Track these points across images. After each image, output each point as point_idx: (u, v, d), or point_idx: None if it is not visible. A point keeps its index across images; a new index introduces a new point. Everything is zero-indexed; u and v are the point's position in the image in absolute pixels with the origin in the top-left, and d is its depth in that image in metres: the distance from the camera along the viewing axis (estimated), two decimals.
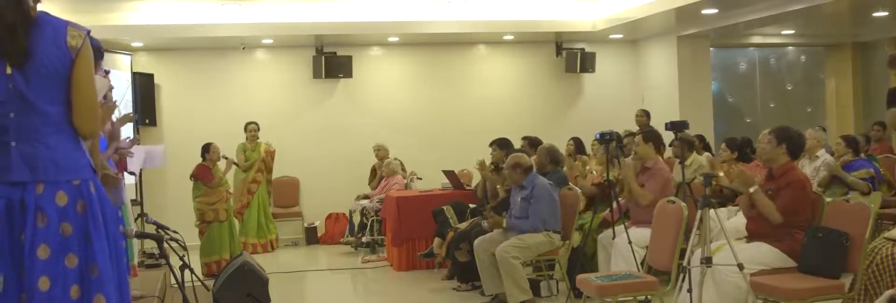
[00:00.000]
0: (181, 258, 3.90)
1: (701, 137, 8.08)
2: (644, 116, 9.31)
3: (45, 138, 2.35)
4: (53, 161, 2.35)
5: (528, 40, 10.50)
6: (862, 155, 6.91)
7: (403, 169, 9.45)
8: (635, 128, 8.70)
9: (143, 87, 9.47)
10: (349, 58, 10.00)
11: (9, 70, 2.31)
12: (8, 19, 2.30)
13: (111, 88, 4.29)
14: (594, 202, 6.45)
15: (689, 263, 4.15)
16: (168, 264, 3.62)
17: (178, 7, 8.71)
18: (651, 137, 5.94)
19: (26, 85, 2.32)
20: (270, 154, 9.28)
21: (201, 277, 5.25)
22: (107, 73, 4.87)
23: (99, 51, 3.40)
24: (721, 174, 6.66)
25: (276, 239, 9.37)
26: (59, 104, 2.39)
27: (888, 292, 3.65)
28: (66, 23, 2.40)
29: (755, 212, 4.74)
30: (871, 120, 10.99)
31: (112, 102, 3.02)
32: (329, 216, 9.95)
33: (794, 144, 4.66)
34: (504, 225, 5.76)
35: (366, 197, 9.27)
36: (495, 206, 6.62)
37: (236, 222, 8.58)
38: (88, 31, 2.43)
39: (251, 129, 9.15)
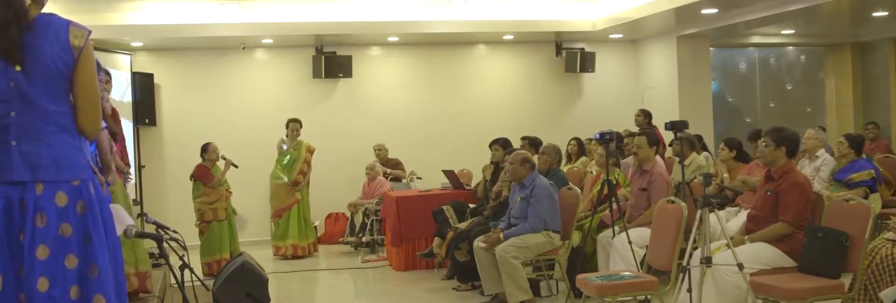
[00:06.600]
0: (181, 258, 3.90)
1: (700, 137, 8.08)
2: (642, 115, 9.28)
3: (46, 137, 2.35)
4: (54, 160, 2.35)
5: (528, 40, 10.50)
6: (864, 155, 6.91)
7: (403, 169, 9.45)
8: (635, 128, 8.69)
9: (143, 87, 9.46)
10: (349, 58, 10.00)
11: (18, 67, 2.31)
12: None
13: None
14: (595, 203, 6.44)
15: (688, 263, 4.15)
16: (168, 263, 3.61)
17: (178, 7, 8.70)
18: (655, 140, 5.94)
19: (29, 84, 2.32)
20: (312, 153, 8.85)
21: (201, 276, 5.25)
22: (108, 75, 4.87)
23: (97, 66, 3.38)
24: (725, 175, 6.67)
25: (316, 243, 8.98)
26: (60, 104, 2.38)
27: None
28: (68, 22, 2.40)
29: (754, 212, 4.75)
30: (871, 120, 11.00)
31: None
32: (329, 216, 9.94)
33: (790, 144, 4.68)
34: (502, 239, 5.72)
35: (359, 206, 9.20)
36: (496, 206, 6.62)
37: (270, 225, 8.57)
38: (89, 32, 2.43)
39: (293, 128, 8.75)
